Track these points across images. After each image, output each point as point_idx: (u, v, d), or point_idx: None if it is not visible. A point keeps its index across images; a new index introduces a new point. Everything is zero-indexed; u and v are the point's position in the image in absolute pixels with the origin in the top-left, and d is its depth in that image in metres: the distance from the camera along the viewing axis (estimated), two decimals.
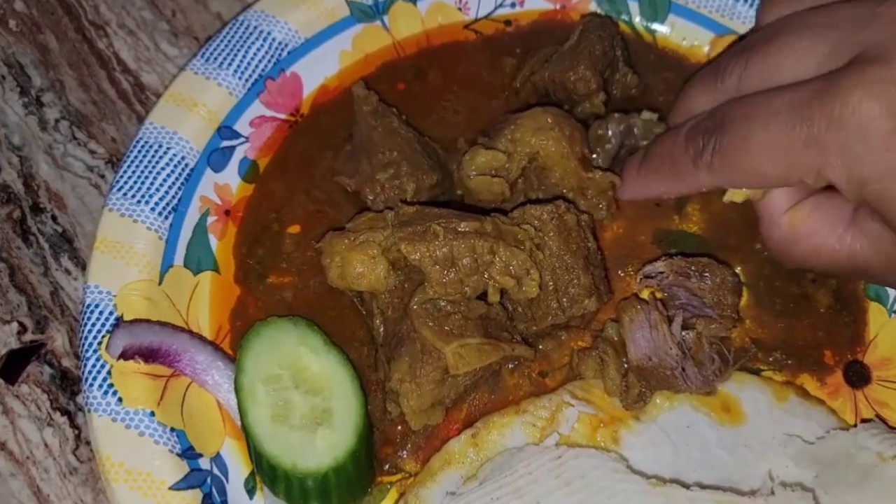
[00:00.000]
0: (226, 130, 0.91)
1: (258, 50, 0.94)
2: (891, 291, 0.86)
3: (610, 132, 0.88)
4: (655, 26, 1.00)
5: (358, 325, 0.83)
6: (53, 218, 0.94)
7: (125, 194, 0.85)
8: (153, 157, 0.87)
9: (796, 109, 0.69)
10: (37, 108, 1.00)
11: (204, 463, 0.77)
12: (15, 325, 0.88)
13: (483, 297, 0.77)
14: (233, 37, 0.94)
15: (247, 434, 0.74)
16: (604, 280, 0.82)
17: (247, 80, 0.93)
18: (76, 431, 0.83)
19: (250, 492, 0.77)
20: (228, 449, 0.79)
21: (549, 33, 0.99)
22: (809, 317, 0.85)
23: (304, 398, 0.75)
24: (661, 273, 0.82)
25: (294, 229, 0.89)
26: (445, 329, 0.74)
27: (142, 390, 0.77)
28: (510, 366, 0.82)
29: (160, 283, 0.83)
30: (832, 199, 0.75)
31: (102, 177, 0.96)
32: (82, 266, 0.91)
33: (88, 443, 0.83)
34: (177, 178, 0.87)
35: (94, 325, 0.79)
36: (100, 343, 0.78)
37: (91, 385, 0.77)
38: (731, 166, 0.75)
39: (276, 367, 0.76)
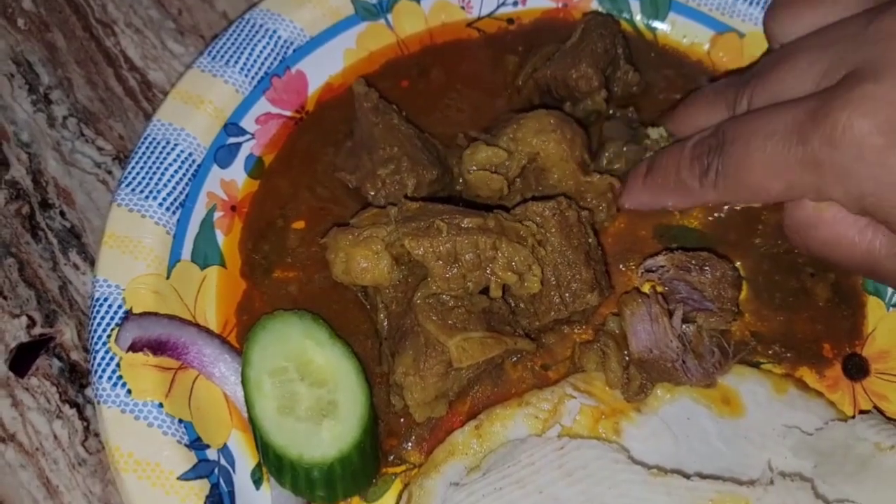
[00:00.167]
0: (232, 127, 0.92)
1: (264, 48, 0.95)
2: None
3: (616, 160, 0.89)
4: (656, 24, 1.01)
5: (362, 319, 0.84)
6: (62, 213, 0.95)
7: (133, 190, 0.86)
8: (161, 153, 0.88)
9: (791, 130, 0.71)
10: (45, 106, 1.01)
11: (211, 454, 0.78)
12: (24, 319, 0.89)
13: (486, 292, 0.78)
14: (239, 35, 0.95)
15: (253, 425, 0.75)
16: (605, 275, 0.83)
17: (253, 78, 0.94)
18: (85, 423, 0.85)
19: (257, 482, 0.79)
20: (235, 440, 0.80)
21: (551, 31, 1.00)
22: (808, 310, 0.86)
23: (310, 390, 0.76)
24: (662, 267, 0.83)
25: (299, 225, 0.90)
26: (449, 323, 0.75)
27: (150, 382, 0.78)
28: (513, 359, 0.83)
29: (168, 278, 0.84)
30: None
31: (110, 173, 0.97)
32: (90, 261, 0.92)
33: (97, 434, 0.84)
34: (184, 174, 0.88)
35: (103, 318, 0.80)
36: (109, 336, 0.79)
37: (100, 377, 0.78)
38: (735, 185, 0.77)
39: (282, 360, 0.77)
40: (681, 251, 0.84)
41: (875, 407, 0.82)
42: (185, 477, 0.75)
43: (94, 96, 1.02)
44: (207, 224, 0.88)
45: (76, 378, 0.87)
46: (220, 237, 0.89)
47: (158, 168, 0.87)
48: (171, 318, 0.81)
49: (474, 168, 0.84)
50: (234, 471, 0.78)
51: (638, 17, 1.01)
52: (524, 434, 0.77)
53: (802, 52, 0.75)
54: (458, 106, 0.97)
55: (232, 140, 0.92)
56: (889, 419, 0.79)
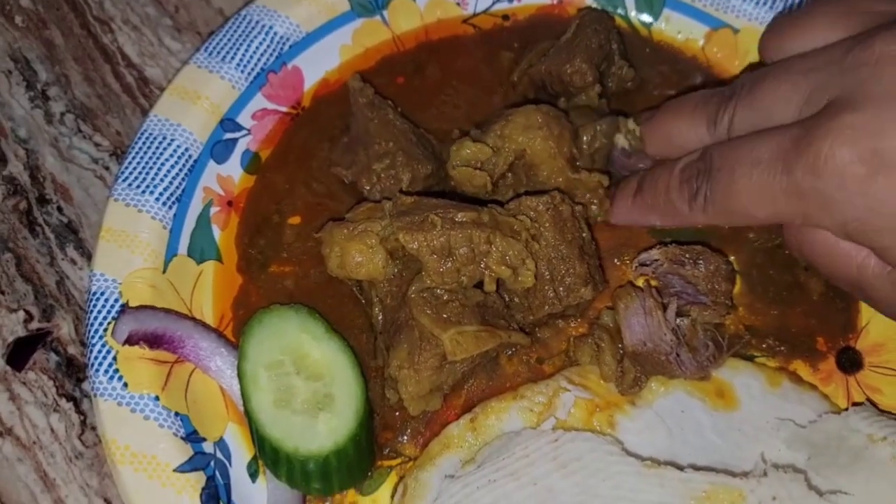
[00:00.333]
0: (228, 123, 0.93)
1: (260, 44, 0.95)
2: None
3: (598, 142, 0.89)
4: (650, 20, 1.01)
5: (357, 314, 0.85)
6: (59, 209, 0.95)
7: (130, 185, 0.86)
8: (157, 148, 0.88)
9: (776, 158, 0.72)
10: (43, 102, 1.01)
11: (207, 447, 0.78)
12: (22, 314, 0.90)
13: (480, 286, 0.78)
14: (235, 31, 0.95)
15: (249, 418, 0.75)
16: (599, 269, 0.84)
17: (249, 74, 0.94)
18: (82, 417, 0.85)
19: (253, 475, 0.79)
20: (231, 433, 0.80)
21: (546, 27, 1.00)
22: (802, 304, 0.87)
23: (306, 384, 0.77)
24: (656, 261, 0.84)
25: (295, 220, 0.90)
26: (443, 316, 0.76)
27: (147, 375, 0.79)
28: (508, 353, 0.84)
29: (164, 272, 0.84)
30: None
31: (107, 169, 0.98)
32: (87, 256, 0.93)
33: (94, 428, 0.84)
34: (181, 169, 0.88)
35: (99, 311, 0.81)
36: (105, 329, 0.80)
37: (97, 370, 0.78)
38: (723, 211, 0.78)
39: (278, 354, 0.77)
40: (675, 245, 0.85)
41: (868, 400, 0.83)
42: (181, 469, 0.75)
43: (92, 93, 1.02)
44: (204, 219, 0.89)
45: (73, 372, 0.87)
46: (217, 232, 0.89)
47: (155, 163, 0.88)
48: (168, 311, 0.81)
49: (458, 164, 0.84)
50: (230, 463, 0.79)
51: (632, 13, 1.02)
52: (519, 427, 0.78)
53: (785, 75, 0.76)
54: (454, 102, 0.98)
55: (228, 135, 0.92)
56: (882, 411, 0.80)
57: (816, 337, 0.86)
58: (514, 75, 0.97)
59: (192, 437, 0.78)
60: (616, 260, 0.88)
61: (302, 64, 0.97)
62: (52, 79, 1.03)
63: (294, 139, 0.95)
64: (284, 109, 0.96)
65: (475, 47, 1.01)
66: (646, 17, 1.01)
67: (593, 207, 0.87)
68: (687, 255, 0.83)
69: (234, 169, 0.92)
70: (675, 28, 1.01)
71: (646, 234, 0.89)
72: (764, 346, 0.85)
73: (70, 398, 0.86)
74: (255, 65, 0.95)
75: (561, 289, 0.80)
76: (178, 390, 0.80)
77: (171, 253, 0.86)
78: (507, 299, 0.82)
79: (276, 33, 0.96)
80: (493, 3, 1.02)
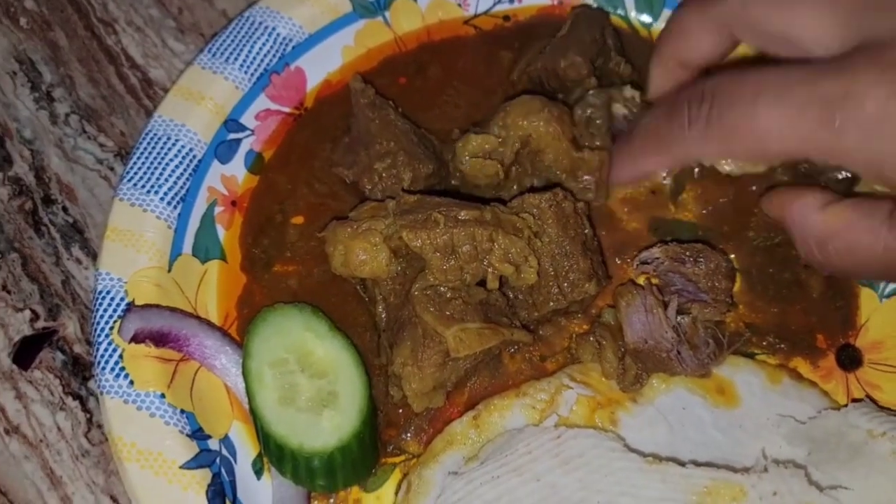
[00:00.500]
0: (232, 123, 0.93)
1: (263, 45, 0.96)
2: None
3: (591, 111, 0.89)
4: (650, 21, 1.02)
5: (361, 312, 0.85)
6: (64, 209, 0.96)
7: (135, 184, 0.87)
8: (162, 148, 0.89)
9: (812, 87, 0.68)
10: (47, 103, 1.02)
11: (213, 444, 0.79)
12: (28, 313, 0.90)
13: (483, 283, 0.79)
14: (238, 32, 0.96)
15: (254, 416, 0.76)
16: (602, 265, 0.84)
17: (252, 75, 0.95)
18: (88, 415, 0.86)
19: (258, 472, 0.80)
20: (236, 431, 0.81)
21: (546, 28, 1.00)
22: (802, 302, 0.87)
23: (310, 381, 0.77)
24: (657, 259, 0.84)
25: (298, 220, 0.91)
26: (446, 314, 0.76)
27: (152, 373, 0.79)
28: (511, 350, 0.84)
29: (169, 271, 0.85)
30: (866, 200, 0.74)
31: (112, 169, 0.98)
32: (93, 255, 0.93)
33: (100, 426, 0.85)
34: (185, 169, 0.89)
35: (105, 310, 0.81)
36: (111, 328, 0.80)
37: (104, 368, 0.79)
38: (729, 134, 0.73)
39: (282, 352, 0.78)
40: (675, 243, 0.85)
41: (868, 397, 0.83)
42: (187, 466, 0.76)
43: (96, 94, 1.03)
44: (208, 219, 0.89)
45: (79, 371, 0.88)
46: (221, 232, 0.90)
47: (160, 163, 0.89)
48: (173, 310, 0.82)
49: (468, 157, 0.84)
50: (235, 461, 0.79)
51: (632, 14, 1.02)
52: (521, 424, 0.78)
53: (820, 6, 0.73)
54: (456, 102, 0.98)
55: (232, 136, 0.93)
56: (881, 408, 0.80)
57: (816, 334, 0.86)
58: (514, 75, 0.97)
59: (198, 434, 0.78)
60: (617, 259, 0.89)
61: (304, 65, 0.98)
62: (57, 80, 1.03)
63: (296, 139, 0.95)
64: (287, 110, 0.96)
65: (476, 48, 1.01)
66: (646, 18, 1.02)
67: (590, 189, 0.86)
68: (687, 254, 0.84)
69: (237, 169, 0.93)
70: None
71: (646, 233, 0.90)
72: (764, 343, 0.85)
73: (76, 396, 0.87)
74: (259, 66, 0.95)
75: (565, 284, 0.80)
76: (184, 388, 0.80)
77: (175, 252, 0.86)
78: (510, 296, 0.82)
79: (278, 34, 0.97)
80: (495, 4, 1.03)
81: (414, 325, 0.77)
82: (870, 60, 0.67)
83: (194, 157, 0.90)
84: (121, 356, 0.79)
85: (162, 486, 0.75)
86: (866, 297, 0.88)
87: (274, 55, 0.96)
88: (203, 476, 0.76)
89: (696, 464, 0.75)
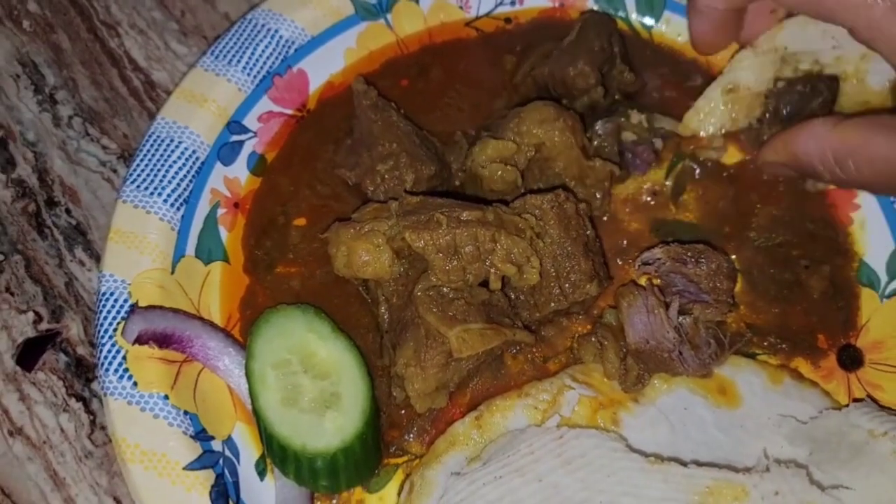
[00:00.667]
0: (235, 125, 0.94)
1: (266, 47, 0.96)
2: (882, 277, 0.88)
3: (598, 141, 0.90)
4: (651, 23, 1.02)
5: (363, 313, 0.86)
6: (67, 211, 0.96)
7: (138, 186, 0.87)
8: (165, 150, 0.90)
9: None
10: (51, 106, 1.02)
11: (216, 445, 0.79)
12: (31, 315, 0.91)
13: (485, 284, 0.79)
14: (241, 35, 0.96)
15: (257, 417, 0.76)
16: (603, 266, 0.85)
17: (255, 77, 0.95)
18: (91, 417, 0.86)
19: (261, 473, 0.80)
20: (239, 432, 0.81)
21: (548, 30, 1.01)
22: (803, 302, 0.88)
23: (313, 382, 0.77)
24: (659, 259, 0.85)
25: (300, 222, 0.91)
26: (449, 314, 0.76)
27: (156, 374, 0.80)
28: (513, 351, 0.85)
29: (173, 273, 0.85)
30: (879, 116, 0.77)
31: (115, 171, 0.99)
32: (96, 257, 0.94)
33: (103, 427, 0.85)
34: (188, 171, 0.89)
35: (109, 312, 0.82)
36: (115, 330, 0.81)
37: (107, 370, 0.79)
38: None
39: (285, 353, 0.78)
40: (677, 244, 0.86)
41: (869, 396, 0.83)
42: (190, 467, 0.76)
43: (99, 96, 1.03)
44: (211, 220, 0.90)
45: (82, 372, 0.88)
46: (224, 233, 0.90)
47: (163, 165, 0.89)
48: (176, 311, 0.82)
49: (485, 163, 0.84)
50: (238, 462, 0.80)
51: (633, 16, 1.03)
52: (524, 424, 0.79)
53: None
54: (458, 105, 0.99)
55: (235, 138, 0.93)
56: (882, 407, 0.80)
57: (817, 334, 0.87)
58: (517, 78, 0.98)
59: (201, 435, 0.79)
60: (619, 260, 0.90)
61: (307, 67, 0.98)
62: (60, 83, 1.04)
63: (299, 141, 0.96)
64: (290, 112, 0.97)
65: (478, 50, 1.02)
66: (647, 20, 1.03)
67: (597, 198, 0.87)
68: (689, 254, 0.84)
69: (240, 171, 0.93)
70: (675, 30, 1.02)
71: (648, 234, 0.91)
72: (765, 343, 0.86)
73: (79, 398, 0.87)
74: (261, 68, 0.96)
75: (567, 285, 0.81)
76: (187, 389, 0.81)
77: (178, 254, 0.87)
78: (512, 297, 0.83)
79: (281, 37, 0.97)
80: (496, 7, 1.03)
81: (417, 326, 0.77)
82: None
83: (197, 159, 0.90)
84: (124, 357, 0.80)
85: (166, 487, 0.75)
86: (867, 297, 0.88)
87: (276, 57, 0.97)
88: (206, 477, 0.76)
89: (698, 464, 0.75)
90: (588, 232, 0.83)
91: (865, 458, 0.74)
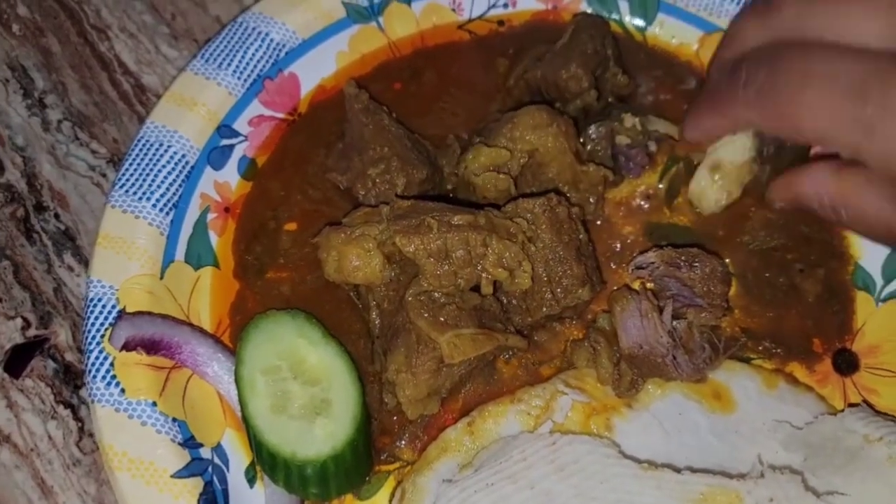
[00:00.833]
0: (225, 129, 0.93)
1: (256, 50, 0.96)
2: (878, 281, 0.88)
3: (591, 145, 0.90)
4: (644, 25, 1.02)
5: (354, 319, 0.85)
6: (56, 216, 0.95)
7: (127, 191, 0.87)
8: (154, 154, 0.89)
9: (854, 84, 0.71)
10: (40, 110, 1.02)
11: (205, 452, 0.78)
12: (19, 321, 0.90)
13: (477, 289, 0.79)
14: (232, 38, 0.96)
15: (247, 424, 0.75)
16: (596, 270, 0.84)
17: (245, 80, 0.95)
18: (79, 424, 0.85)
19: (251, 481, 0.79)
20: (229, 439, 0.80)
21: (540, 33, 1.01)
22: (798, 306, 0.87)
23: (303, 389, 0.77)
24: (652, 263, 0.84)
25: (291, 227, 0.91)
26: (440, 320, 0.76)
27: (144, 381, 0.79)
28: (505, 356, 0.84)
29: (161, 278, 0.84)
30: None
31: (104, 176, 0.98)
32: (85, 263, 0.93)
33: (91, 435, 0.84)
34: (177, 176, 0.89)
35: (97, 318, 0.81)
36: (103, 336, 0.80)
37: (94, 376, 0.78)
38: (772, 108, 0.76)
39: (275, 359, 0.78)
40: (670, 248, 0.85)
41: (865, 401, 0.83)
42: (178, 475, 0.75)
43: (89, 100, 1.02)
44: (201, 225, 0.89)
45: (71, 379, 0.87)
46: (214, 238, 0.89)
47: (152, 170, 0.88)
48: (165, 317, 0.81)
49: (478, 170, 0.84)
50: (227, 469, 0.79)
51: (627, 18, 1.02)
52: (516, 430, 0.78)
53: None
54: (450, 108, 0.98)
55: (225, 142, 0.93)
56: (878, 412, 0.80)
57: (812, 339, 0.86)
58: (510, 80, 0.97)
59: (190, 442, 0.78)
60: (613, 264, 0.89)
61: (298, 70, 0.97)
62: (50, 87, 1.03)
63: (290, 145, 0.95)
64: (281, 116, 0.96)
65: (471, 53, 1.01)
66: (640, 22, 1.02)
67: (590, 203, 0.87)
68: (682, 258, 0.84)
69: (231, 175, 0.92)
70: (669, 33, 1.01)
71: (642, 238, 0.90)
72: (760, 348, 0.85)
73: (68, 405, 0.86)
74: (252, 71, 0.95)
75: (558, 290, 0.80)
76: (176, 396, 0.80)
77: (168, 259, 0.86)
78: (504, 302, 0.82)
79: (272, 40, 0.97)
80: (489, 9, 1.03)
81: (408, 332, 0.76)
82: None
83: (187, 163, 0.90)
84: (112, 364, 0.79)
85: (153, 495, 0.74)
86: (862, 300, 0.88)
87: (267, 61, 0.96)
88: (195, 485, 0.75)
89: (692, 470, 0.74)
90: (580, 236, 0.82)
91: (861, 464, 0.73)
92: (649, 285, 0.85)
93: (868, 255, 0.89)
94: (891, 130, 0.69)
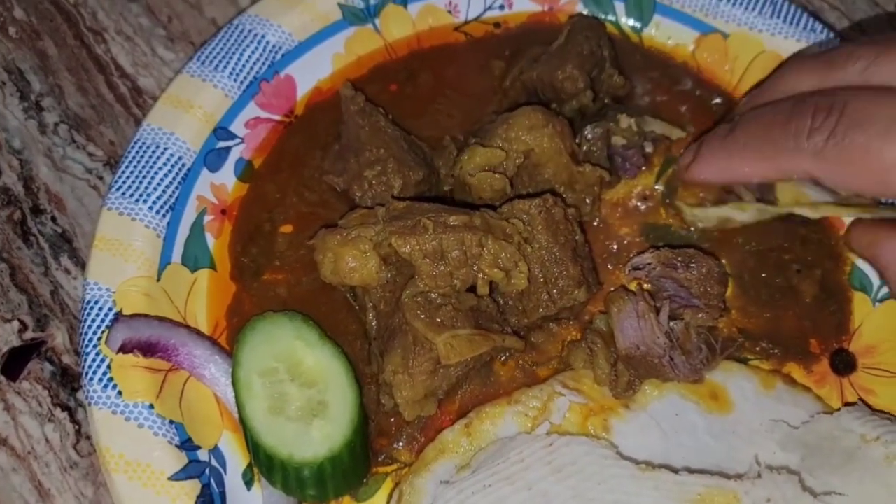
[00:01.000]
0: (222, 131, 0.93)
1: (253, 52, 0.96)
2: (875, 281, 0.88)
3: (587, 146, 0.90)
4: (640, 26, 1.02)
5: (351, 320, 0.85)
6: (53, 219, 0.95)
7: (124, 193, 0.87)
8: (151, 157, 0.89)
9: None
10: (36, 113, 1.02)
11: (202, 455, 0.78)
12: (16, 324, 0.90)
13: (473, 290, 0.79)
14: (228, 40, 0.96)
15: (244, 426, 0.75)
16: (592, 271, 0.84)
17: (242, 82, 0.95)
18: (76, 427, 0.85)
19: (248, 483, 0.79)
20: (226, 441, 0.80)
21: (537, 35, 1.01)
22: (795, 307, 0.87)
23: (300, 390, 0.77)
24: (649, 264, 0.84)
25: (287, 229, 0.91)
26: (437, 321, 0.76)
27: (141, 383, 0.79)
28: (502, 358, 0.84)
29: (158, 280, 0.84)
30: None
31: (101, 178, 0.98)
32: (82, 265, 0.93)
33: (89, 438, 0.84)
34: (174, 178, 0.89)
35: (93, 320, 0.81)
36: (100, 338, 0.80)
37: (91, 379, 0.78)
38: (849, 159, 0.68)
39: (272, 361, 0.78)
40: (667, 249, 0.85)
41: (862, 401, 0.83)
42: (175, 477, 0.75)
43: (85, 103, 1.02)
44: (198, 227, 0.89)
45: (68, 381, 0.87)
46: (211, 240, 0.89)
47: (149, 172, 0.88)
48: (162, 319, 0.81)
49: (474, 171, 0.84)
50: (225, 471, 0.79)
51: (623, 20, 1.02)
52: (514, 432, 0.78)
53: None
54: (447, 110, 0.98)
55: (222, 144, 0.93)
56: (875, 411, 0.80)
57: (810, 339, 0.86)
58: (506, 82, 0.97)
59: (187, 445, 0.78)
60: (609, 265, 0.89)
61: (294, 72, 0.97)
62: (46, 89, 1.03)
63: (286, 147, 0.95)
64: (277, 118, 0.96)
65: (467, 55, 1.01)
66: (636, 23, 1.02)
67: (587, 203, 0.87)
68: (679, 259, 0.84)
69: (227, 177, 0.92)
70: (665, 34, 1.01)
71: (638, 239, 0.90)
72: (757, 348, 0.85)
73: (65, 408, 0.86)
74: (248, 73, 0.95)
75: (555, 291, 0.80)
76: (173, 398, 0.80)
77: (164, 261, 0.86)
78: (501, 303, 0.82)
79: (268, 42, 0.97)
80: (485, 11, 1.03)
81: (404, 333, 0.76)
82: None
83: (183, 165, 0.90)
84: (109, 366, 0.79)
85: (150, 497, 0.74)
86: (860, 301, 0.88)
87: (263, 63, 0.96)
88: (192, 487, 0.75)
89: (690, 470, 0.74)
90: (577, 237, 0.82)
91: (858, 464, 0.73)
92: (646, 286, 0.85)
93: None
94: None
